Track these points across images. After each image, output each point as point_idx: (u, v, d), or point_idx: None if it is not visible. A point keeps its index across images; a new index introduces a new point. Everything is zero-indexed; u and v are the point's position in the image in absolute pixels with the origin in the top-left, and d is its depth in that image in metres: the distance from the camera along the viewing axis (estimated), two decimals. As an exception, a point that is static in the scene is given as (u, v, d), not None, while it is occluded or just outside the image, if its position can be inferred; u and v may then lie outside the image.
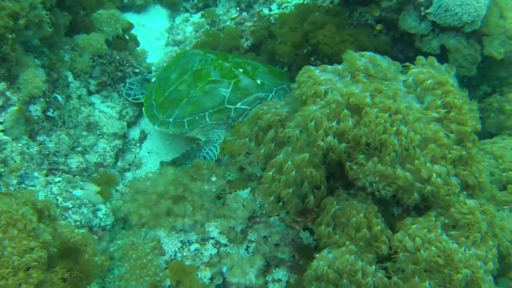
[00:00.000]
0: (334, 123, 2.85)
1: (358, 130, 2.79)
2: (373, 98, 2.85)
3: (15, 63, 3.93)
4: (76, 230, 3.32)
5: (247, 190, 3.79)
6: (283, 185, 3.02)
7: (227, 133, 4.64)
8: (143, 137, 5.34)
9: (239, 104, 4.65)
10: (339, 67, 3.22)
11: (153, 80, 5.32)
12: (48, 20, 4.11)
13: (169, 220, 3.65)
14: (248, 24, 6.19)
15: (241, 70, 4.88)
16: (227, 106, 4.66)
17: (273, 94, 4.76)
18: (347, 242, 2.91)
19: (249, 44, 5.96)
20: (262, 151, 3.35)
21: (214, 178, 3.86)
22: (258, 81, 4.79)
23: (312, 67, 3.24)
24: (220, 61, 5.01)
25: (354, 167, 2.93)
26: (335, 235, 2.99)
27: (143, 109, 5.04)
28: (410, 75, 3.12)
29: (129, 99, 5.23)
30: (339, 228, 3.01)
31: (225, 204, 3.75)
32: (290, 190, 3.03)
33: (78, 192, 4.06)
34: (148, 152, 5.25)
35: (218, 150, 4.52)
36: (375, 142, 2.76)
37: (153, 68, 6.04)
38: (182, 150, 4.94)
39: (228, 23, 6.38)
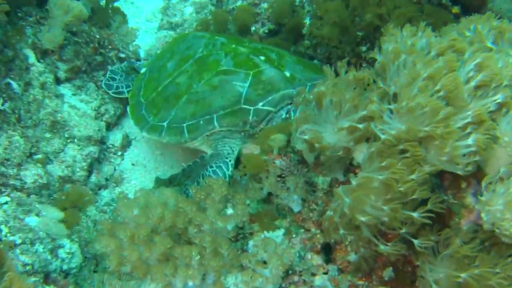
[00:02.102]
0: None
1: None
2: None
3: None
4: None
5: (280, 232, 2.81)
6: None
7: (244, 144, 3.79)
8: (126, 143, 4.63)
9: (260, 104, 3.72)
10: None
11: (142, 70, 4.60)
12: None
13: (164, 271, 2.59)
14: (265, 5, 5.29)
15: (262, 57, 3.95)
16: (244, 106, 3.73)
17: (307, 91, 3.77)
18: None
19: (266, 31, 5.11)
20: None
21: (230, 210, 2.82)
22: (287, 73, 3.86)
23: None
24: (234, 45, 4.09)
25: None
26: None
27: (128, 108, 4.30)
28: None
29: (110, 92, 4.50)
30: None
31: (246, 250, 2.75)
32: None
33: (32, 220, 3.15)
34: (133, 164, 4.52)
35: (230, 168, 3.65)
36: None
37: (142, 55, 5.44)
38: (178, 163, 4.33)
39: (239, 3, 5.45)
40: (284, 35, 4.99)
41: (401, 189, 2.08)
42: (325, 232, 2.60)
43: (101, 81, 4.52)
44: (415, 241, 2.21)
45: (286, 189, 2.85)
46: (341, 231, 2.41)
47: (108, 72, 4.56)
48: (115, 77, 4.54)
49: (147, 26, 6.15)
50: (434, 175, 2.21)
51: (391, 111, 2.28)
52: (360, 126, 2.37)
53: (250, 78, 3.79)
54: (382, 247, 2.28)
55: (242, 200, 2.87)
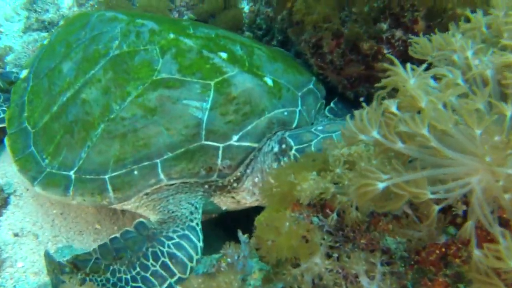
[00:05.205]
0: None
1: None
2: None
3: None
4: None
5: None
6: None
7: (212, 198, 2.70)
8: (2, 200, 3.43)
9: (234, 137, 2.56)
10: None
11: (23, 73, 3.43)
12: None
13: None
14: (179, -11, 4.50)
15: (224, 54, 2.77)
16: (207, 143, 2.55)
17: (299, 107, 2.74)
18: None
19: (188, 23, 4.13)
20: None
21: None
22: (268, 80, 2.72)
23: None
24: (172, 35, 2.84)
25: None
26: None
27: (6, 139, 3.12)
28: None
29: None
30: None
31: None
32: None
33: None
34: (16, 235, 3.26)
35: (201, 236, 2.43)
36: None
37: (7, 66, 4.69)
38: (90, 225, 3.22)
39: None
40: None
41: None
42: None
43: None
44: None
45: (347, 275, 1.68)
46: None
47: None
48: None
49: (7, 28, 5.32)
50: None
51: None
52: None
53: (211, 93, 2.60)
54: None
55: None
